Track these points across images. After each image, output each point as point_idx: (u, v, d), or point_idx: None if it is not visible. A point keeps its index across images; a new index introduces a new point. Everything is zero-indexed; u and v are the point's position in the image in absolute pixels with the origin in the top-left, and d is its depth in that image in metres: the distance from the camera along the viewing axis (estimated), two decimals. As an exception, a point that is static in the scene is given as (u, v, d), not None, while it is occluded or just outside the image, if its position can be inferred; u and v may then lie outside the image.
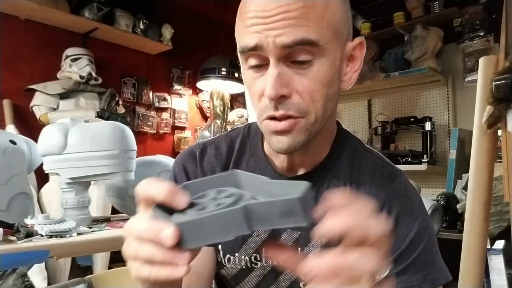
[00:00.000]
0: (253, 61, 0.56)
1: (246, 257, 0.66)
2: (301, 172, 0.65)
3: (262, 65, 0.55)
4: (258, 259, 0.66)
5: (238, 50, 0.57)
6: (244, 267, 0.67)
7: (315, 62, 0.53)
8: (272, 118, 0.55)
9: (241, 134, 0.73)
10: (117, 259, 2.50)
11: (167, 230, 0.34)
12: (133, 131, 1.45)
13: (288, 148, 0.56)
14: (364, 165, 0.66)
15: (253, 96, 0.58)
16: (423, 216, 0.64)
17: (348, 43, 0.59)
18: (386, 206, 0.63)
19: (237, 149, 0.71)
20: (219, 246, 0.68)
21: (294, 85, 0.54)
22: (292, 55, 0.53)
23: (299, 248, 0.64)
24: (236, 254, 0.67)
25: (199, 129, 3.38)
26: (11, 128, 2.24)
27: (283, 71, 0.53)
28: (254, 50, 0.53)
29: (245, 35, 0.54)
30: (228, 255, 0.67)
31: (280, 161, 0.66)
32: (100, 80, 2.52)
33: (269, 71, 0.53)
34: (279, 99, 0.53)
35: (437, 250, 0.64)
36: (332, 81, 0.56)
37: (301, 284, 0.65)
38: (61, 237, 1.00)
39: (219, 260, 0.69)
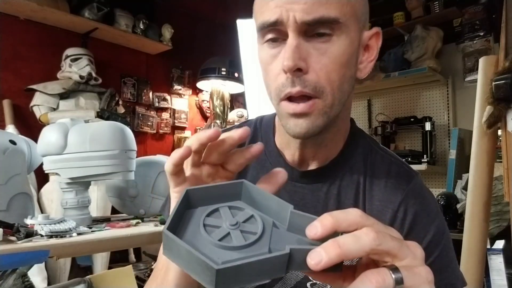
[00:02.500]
0: (270, 36, 0.55)
1: None
2: (312, 166, 0.64)
3: (280, 39, 0.54)
4: None
5: (256, 27, 0.56)
6: None
7: (334, 38, 0.53)
8: (290, 99, 0.54)
9: (252, 127, 0.72)
10: (117, 259, 2.50)
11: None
12: (133, 131, 1.45)
13: (306, 132, 0.55)
14: (379, 164, 0.65)
15: (269, 74, 0.57)
16: (440, 218, 0.62)
17: (365, 32, 0.58)
18: (402, 206, 0.61)
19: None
20: None
21: (312, 62, 0.53)
22: (312, 30, 0.52)
23: None
24: None
25: (199, 129, 3.38)
26: (11, 128, 2.24)
27: (301, 44, 0.52)
28: (274, 25, 0.53)
29: (265, 12, 0.54)
30: None
31: (291, 153, 0.65)
32: (100, 80, 2.51)
33: (288, 43, 0.52)
34: (296, 72, 0.52)
35: (454, 254, 0.63)
36: (349, 62, 0.55)
37: (308, 284, 0.64)
38: (61, 237, 1.01)
39: None
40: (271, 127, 0.69)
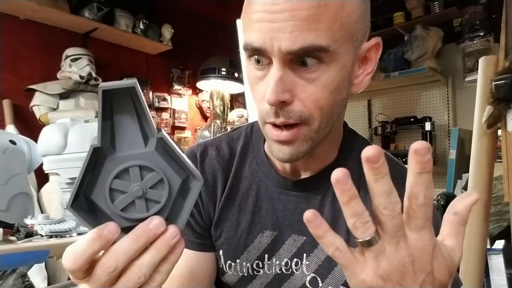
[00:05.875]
0: (255, 57, 0.52)
1: (248, 264, 0.64)
2: (305, 175, 0.63)
3: (265, 62, 0.51)
4: (260, 266, 0.64)
5: (242, 44, 0.53)
6: (245, 274, 0.65)
7: (323, 68, 0.49)
8: (274, 124, 0.52)
9: (243, 135, 0.70)
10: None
11: (156, 222, 0.33)
12: (133, 131, 1.44)
13: (289, 158, 0.53)
14: None
15: (255, 94, 0.55)
16: (436, 219, 0.60)
17: (363, 44, 0.54)
18: None
19: (240, 151, 0.68)
20: (220, 252, 0.66)
21: (297, 91, 0.50)
22: (298, 59, 0.49)
23: (305, 254, 0.62)
24: (237, 261, 0.65)
25: (199, 129, 3.38)
26: (11, 128, 2.24)
27: (286, 75, 0.49)
28: (258, 51, 0.50)
29: (249, 30, 0.50)
30: (229, 262, 0.66)
31: (281, 164, 0.63)
32: (100, 80, 2.51)
33: (271, 74, 0.49)
34: (280, 105, 0.49)
35: None
36: (340, 87, 0.52)
37: None
38: (61, 237, 1.01)
39: (220, 266, 0.67)
40: (262, 135, 0.67)
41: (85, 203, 0.35)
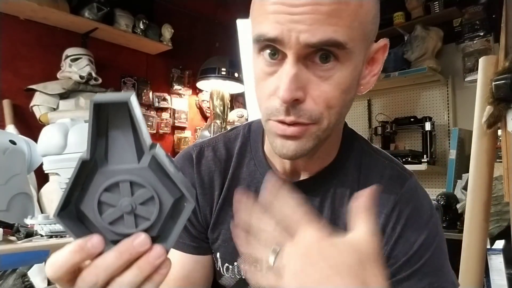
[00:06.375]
0: (268, 53, 0.50)
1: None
2: (304, 176, 0.62)
3: (277, 57, 0.49)
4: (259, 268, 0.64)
5: (252, 37, 0.51)
6: (243, 277, 0.64)
7: (338, 66, 0.48)
8: (282, 122, 0.51)
9: (241, 136, 0.68)
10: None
11: (141, 240, 0.33)
12: (133, 131, 1.44)
13: (293, 155, 0.52)
14: (372, 168, 0.63)
15: (261, 92, 0.52)
16: (433, 221, 0.61)
17: (372, 45, 0.54)
18: (395, 211, 0.59)
19: (237, 152, 0.67)
20: (218, 255, 0.66)
21: (310, 88, 0.49)
22: (314, 55, 0.48)
23: None
24: (235, 263, 0.64)
25: (199, 129, 3.38)
26: (11, 128, 2.24)
27: (300, 71, 0.48)
28: (273, 42, 0.48)
29: (263, 22, 0.48)
30: (226, 264, 0.65)
31: (281, 164, 0.62)
32: (100, 80, 2.51)
33: (285, 69, 0.48)
34: (292, 103, 0.48)
35: (446, 257, 0.61)
36: (351, 87, 0.51)
37: None
38: (61, 237, 1.01)
39: (217, 269, 0.66)
40: (260, 135, 0.66)
41: (75, 212, 0.34)
